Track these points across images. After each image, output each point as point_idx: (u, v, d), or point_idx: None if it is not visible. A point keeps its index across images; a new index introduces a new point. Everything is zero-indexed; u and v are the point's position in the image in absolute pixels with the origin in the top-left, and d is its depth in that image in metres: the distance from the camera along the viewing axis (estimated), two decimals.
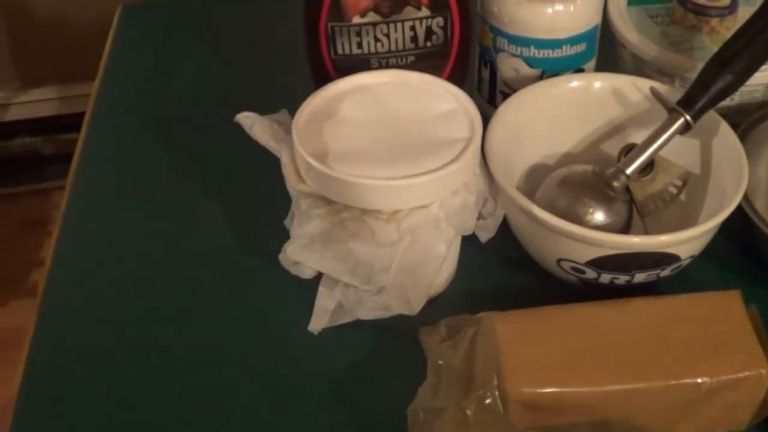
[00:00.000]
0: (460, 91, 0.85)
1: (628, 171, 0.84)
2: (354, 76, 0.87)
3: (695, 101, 0.85)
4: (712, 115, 0.87)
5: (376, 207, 0.77)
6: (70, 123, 2.35)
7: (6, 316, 2.17)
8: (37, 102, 2.55)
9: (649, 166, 0.87)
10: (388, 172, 0.77)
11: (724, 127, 0.87)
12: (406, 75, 0.88)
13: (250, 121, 0.85)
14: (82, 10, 2.36)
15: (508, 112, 0.88)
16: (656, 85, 0.90)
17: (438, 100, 0.84)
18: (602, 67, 1.00)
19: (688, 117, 0.85)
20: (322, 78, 0.95)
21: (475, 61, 1.00)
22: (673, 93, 0.88)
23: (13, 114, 2.54)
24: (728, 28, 1.01)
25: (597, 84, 0.92)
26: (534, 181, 0.90)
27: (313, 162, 0.78)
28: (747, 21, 0.88)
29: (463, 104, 0.83)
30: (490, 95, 0.99)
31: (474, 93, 1.00)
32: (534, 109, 0.90)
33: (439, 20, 0.93)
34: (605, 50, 1.02)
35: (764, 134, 0.93)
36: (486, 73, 0.98)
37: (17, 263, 2.28)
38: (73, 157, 1.05)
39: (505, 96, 0.96)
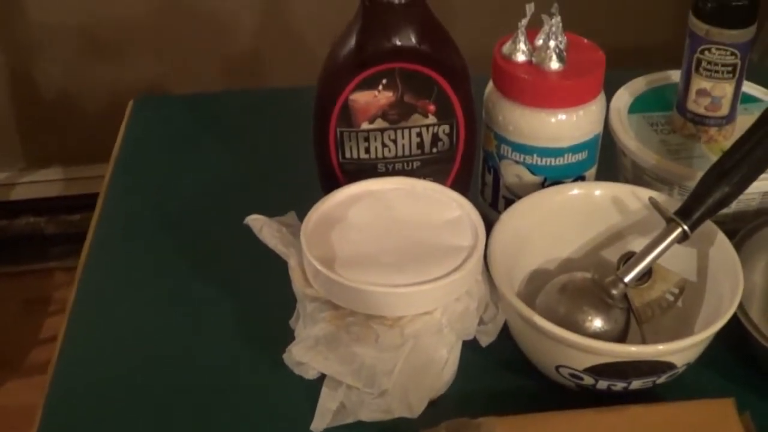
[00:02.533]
0: (464, 199, 0.87)
1: (627, 279, 0.87)
2: (362, 182, 0.90)
3: (693, 212, 0.88)
4: (709, 224, 0.90)
5: (381, 313, 0.79)
6: (73, 204, 2.39)
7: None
8: (42, 182, 2.57)
9: (647, 274, 0.89)
10: (394, 279, 0.79)
11: (721, 237, 0.89)
12: (412, 182, 0.90)
13: (259, 224, 0.87)
14: (91, 94, 2.40)
15: (511, 219, 0.90)
16: (655, 194, 0.92)
17: (443, 208, 0.87)
18: (604, 173, 1.03)
19: (685, 227, 0.87)
20: (329, 180, 0.98)
21: (480, 166, 1.02)
22: (672, 203, 0.90)
23: (18, 194, 2.57)
24: (726, 137, 1.04)
25: (597, 192, 0.95)
26: (535, 285, 0.92)
27: (320, 268, 0.80)
28: (745, 132, 0.91)
29: (467, 212, 0.86)
30: (493, 200, 1.01)
31: (477, 197, 1.03)
32: (536, 216, 0.92)
33: (446, 128, 0.95)
34: (607, 157, 1.05)
35: (760, 243, 0.95)
36: (489, 179, 1.00)
37: (18, 342, 2.30)
38: (78, 241, 1.07)
39: (508, 201, 0.98)
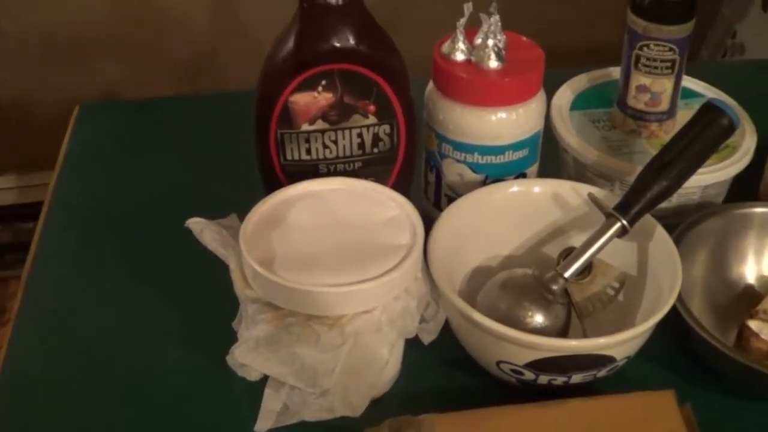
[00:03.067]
0: (403, 198, 0.88)
1: (567, 274, 0.87)
2: (303, 183, 0.90)
3: (631, 206, 0.88)
4: (648, 219, 0.90)
5: (320, 313, 0.80)
6: (28, 212, 2.37)
7: None
8: None
9: (587, 268, 0.90)
10: (333, 278, 0.79)
11: (660, 231, 0.90)
12: (352, 182, 0.90)
13: (199, 227, 0.87)
14: (45, 100, 2.39)
15: (451, 217, 0.91)
16: (594, 190, 0.93)
17: (383, 207, 0.87)
18: (546, 170, 1.04)
19: (624, 222, 0.88)
20: (271, 182, 0.98)
21: (422, 165, 1.02)
22: (612, 198, 0.91)
23: None
24: (667, 132, 1.05)
25: (537, 189, 0.96)
26: (476, 282, 0.93)
27: (259, 269, 0.80)
28: (683, 127, 0.91)
29: (406, 211, 0.86)
30: (435, 199, 1.01)
31: (421, 196, 1.03)
32: (476, 214, 0.93)
33: (386, 128, 0.95)
34: (549, 154, 1.06)
35: (701, 236, 0.96)
36: (432, 178, 1.01)
37: None
38: (29, 250, 1.07)
39: (450, 200, 0.99)
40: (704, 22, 1.96)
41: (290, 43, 0.91)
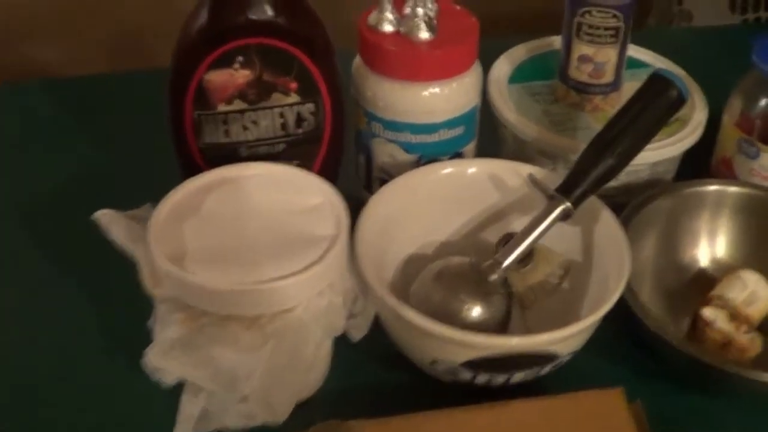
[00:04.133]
0: (326, 184, 0.81)
1: (506, 263, 0.81)
2: (218, 169, 0.83)
3: (574, 187, 0.82)
4: (593, 200, 0.84)
5: (235, 312, 0.73)
6: None
7: None
8: None
9: (528, 255, 0.84)
10: (249, 275, 0.73)
11: (606, 213, 0.84)
12: (271, 167, 0.83)
13: (106, 219, 0.80)
14: None
15: (379, 204, 0.84)
16: (535, 170, 0.86)
17: (305, 194, 0.80)
18: (485, 148, 0.97)
19: (567, 204, 0.81)
20: (190, 168, 0.91)
21: (352, 145, 0.95)
22: (554, 178, 0.84)
23: None
24: (612, 105, 0.98)
25: (472, 170, 0.89)
26: (411, 272, 0.86)
27: (167, 265, 0.73)
28: (629, 100, 0.85)
29: (330, 198, 0.79)
30: (367, 181, 0.95)
31: (351, 178, 0.96)
32: (407, 199, 0.86)
33: (310, 106, 0.89)
34: (488, 131, 0.99)
35: (650, 216, 0.90)
36: (362, 159, 0.94)
37: None
38: None
39: (382, 182, 0.92)
40: None
41: (203, 17, 0.84)
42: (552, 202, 0.82)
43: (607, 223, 0.84)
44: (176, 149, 0.91)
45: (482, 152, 0.97)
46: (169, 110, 0.89)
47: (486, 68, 1.00)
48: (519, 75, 1.03)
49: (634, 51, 1.05)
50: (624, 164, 0.83)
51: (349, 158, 0.97)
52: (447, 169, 0.89)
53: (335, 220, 0.78)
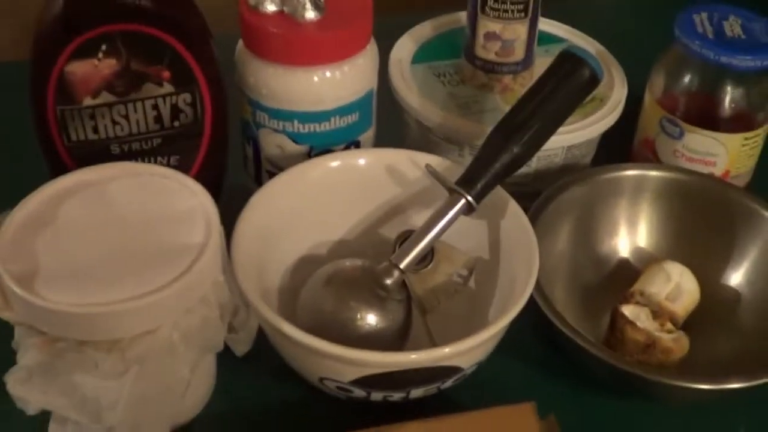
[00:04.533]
0: (198, 185, 0.72)
1: (402, 265, 0.73)
2: (78, 171, 0.74)
3: (477, 179, 0.74)
4: (499, 191, 0.76)
5: (90, 337, 0.64)
6: None
7: None
8: None
9: (428, 255, 0.76)
10: (107, 294, 0.65)
11: (513, 207, 0.76)
12: (136, 168, 0.75)
13: None
14: None
15: (261, 204, 0.76)
16: (434, 160, 0.78)
17: (174, 198, 0.72)
18: (388, 134, 0.90)
19: (469, 198, 0.73)
20: (58, 168, 0.82)
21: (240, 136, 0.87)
22: (456, 169, 0.76)
23: None
24: (523, 85, 0.90)
25: (363, 161, 0.81)
26: (302, 276, 0.78)
27: (14, 287, 0.64)
28: (535, 82, 0.77)
29: (200, 201, 0.70)
30: (256, 175, 0.86)
31: (241, 172, 0.87)
32: (293, 196, 0.78)
33: (186, 96, 0.80)
34: (392, 116, 0.91)
35: (564, 207, 0.82)
36: (250, 151, 0.86)
37: None
38: None
39: (272, 176, 0.84)
40: None
41: (59, 3, 0.75)
42: (452, 196, 0.74)
43: (514, 216, 0.76)
44: (41, 148, 0.83)
45: (385, 139, 0.89)
46: (31, 106, 0.79)
47: (389, 47, 0.93)
48: (423, 54, 0.94)
49: (548, 25, 0.97)
50: (532, 153, 0.76)
51: (238, 150, 0.87)
52: (335, 161, 0.80)
53: (205, 226, 0.69)
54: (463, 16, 0.95)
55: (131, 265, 0.67)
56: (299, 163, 0.80)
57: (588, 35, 0.98)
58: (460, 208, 0.74)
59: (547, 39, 0.96)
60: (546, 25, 0.96)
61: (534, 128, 0.75)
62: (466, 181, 0.74)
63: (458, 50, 0.93)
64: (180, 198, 0.72)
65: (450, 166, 0.79)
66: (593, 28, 1.00)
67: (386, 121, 0.89)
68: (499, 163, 0.74)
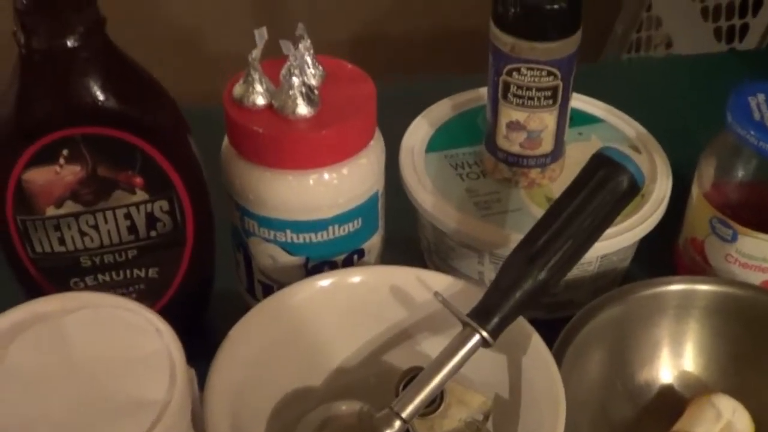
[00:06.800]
0: (164, 323, 0.62)
1: (405, 414, 0.62)
2: (30, 303, 0.64)
3: (494, 311, 0.63)
4: (521, 322, 0.64)
5: None
6: None
7: None
8: None
9: (438, 396, 0.64)
10: None
11: (536, 341, 0.66)
12: (99, 299, 0.65)
13: None
14: None
15: (239, 340, 0.65)
16: (444, 282, 0.68)
17: (138, 337, 0.62)
18: (400, 232, 0.80)
19: (484, 334, 0.62)
20: (26, 282, 0.74)
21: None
22: (470, 293, 0.65)
23: None
24: (552, 178, 0.79)
25: (358, 279, 0.70)
26: (294, 414, 0.67)
27: None
28: (565, 191, 0.66)
29: (166, 344, 0.60)
30: (248, 284, 0.76)
31: (234, 280, 0.77)
32: (279, 325, 0.68)
33: (163, 204, 0.70)
34: (405, 207, 0.81)
35: (597, 332, 0.71)
36: (240, 258, 0.75)
37: None
38: None
39: (266, 287, 0.74)
40: None
41: (11, 104, 0.65)
42: (465, 330, 0.63)
43: (537, 354, 0.66)
44: (6, 259, 0.73)
45: (396, 238, 0.79)
46: None
47: (405, 126, 0.83)
48: (439, 140, 0.83)
49: (581, 101, 0.86)
50: (560, 277, 0.65)
51: (228, 251, 0.78)
52: (324, 281, 0.70)
53: (169, 375, 0.58)
54: (485, 92, 0.84)
55: (85, 422, 0.57)
56: (283, 288, 0.68)
57: (626, 113, 0.86)
58: (474, 345, 0.63)
59: (581, 118, 0.85)
60: (579, 101, 0.85)
61: (562, 249, 0.64)
62: (482, 313, 0.63)
63: (479, 134, 0.82)
64: (144, 338, 0.62)
65: (465, 288, 0.68)
66: (632, 103, 0.88)
67: (398, 214, 0.79)
68: (521, 291, 0.64)
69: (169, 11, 1.73)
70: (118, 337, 0.62)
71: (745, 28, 1.50)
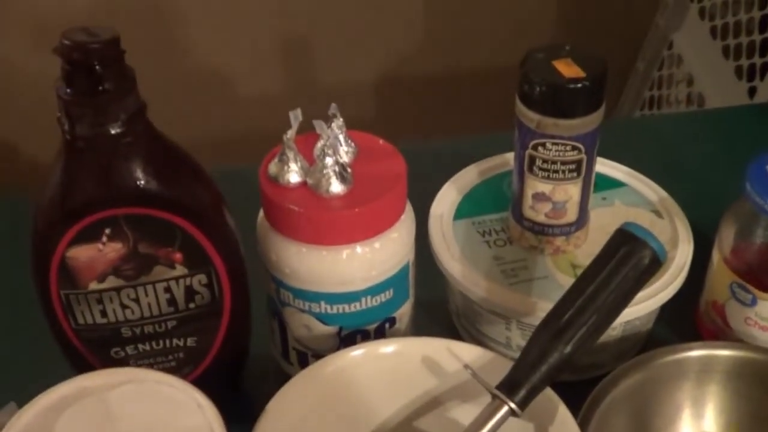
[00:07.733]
0: (206, 399, 0.65)
1: None
2: (78, 378, 0.67)
3: (522, 384, 0.66)
4: (548, 393, 0.67)
5: None
6: None
7: None
8: None
9: None
10: None
11: (563, 414, 0.68)
12: (144, 375, 0.68)
13: None
14: None
15: (273, 417, 0.67)
16: (474, 354, 0.71)
17: (179, 411, 0.65)
18: (429, 297, 0.83)
19: (512, 405, 0.65)
20: (69, 351, 0.77)
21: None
22: (499, 364, 0.68)
23: None
24: (577, 245, 0.81)
25: (390, 349, 0.73)
26: None
27: None
28: (587, 268, 0.68)
29: (207, 418, 0.62)
30: (283, 350, 0.79)
31: (269, 344, 0.80)
32: (315, 395, 0.70)
33: (201, 278, 0.73)
34: (434, 272, 0.83)
35: (621, 399, 0.73)
36: (275, 325, 0.78)
37: None
38: None
39: (301, 354, 0.77)
40: (639, 33, 1.76)
41: (56, 187, 0.68)
42: (494, 402, 0.66)
43: (563, 422, 0.68)
44: (51, 329, 0.76)
45: (426, 301, 0.82)
46: (35, 287, 0.73)
47: (434, 192, 0.86)
48: (467, 206, 0.86)
49: (604, 166, 0.89)
50: (583, 351, 0.68)
51: (263, 319, 0.81)
52: (357, 351, 0.73)
53: None
54: (510, 158, 0.87)
55: None
56: (318, 360, 0.71)
57: (646, 172, 0.89)
58: (503, 416, 0.66)
59: (604, 183, 0.87)
60: (601, 165, 0.87)
61: (587, 324, 0.67)
62: (510, 385, 0.66)
63: (505, 200, 0.84)
64: (185, 412, 0.65)
65: (494, 360, 0.71)
66: (654, 164, 0.90)
67: (428, 277, 0.82)
68: (547, 365, 0.66)
69: (197, 53, 1.77)
70: (160, 411, 0.65)
71: (766, 67, 1.52)
